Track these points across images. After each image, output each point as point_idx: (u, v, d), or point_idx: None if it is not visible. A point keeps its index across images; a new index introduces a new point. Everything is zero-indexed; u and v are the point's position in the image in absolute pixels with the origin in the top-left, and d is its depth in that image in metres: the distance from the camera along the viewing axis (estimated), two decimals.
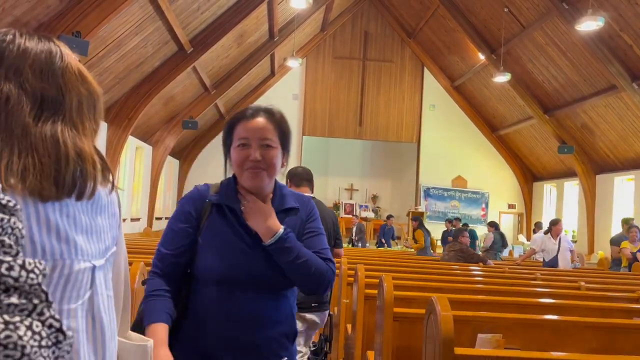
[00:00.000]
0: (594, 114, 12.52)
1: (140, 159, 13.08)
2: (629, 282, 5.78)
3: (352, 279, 4.11)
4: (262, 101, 17.09)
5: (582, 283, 4.89)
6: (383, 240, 12.81)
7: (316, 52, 17.42)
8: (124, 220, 11.96)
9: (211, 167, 16.83)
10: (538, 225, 11.39)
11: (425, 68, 17.55)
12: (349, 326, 4.13)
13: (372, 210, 18.37)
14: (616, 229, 13.07)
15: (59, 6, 6.95)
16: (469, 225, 14.37)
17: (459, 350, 1.88)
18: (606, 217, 13.36)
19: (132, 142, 12.02)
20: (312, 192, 3.65)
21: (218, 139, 16.87)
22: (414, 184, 17.76)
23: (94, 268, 0.87)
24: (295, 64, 13.90)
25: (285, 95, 17.24)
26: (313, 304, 3.20)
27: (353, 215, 15.62)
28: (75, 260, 0.83)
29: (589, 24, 8.97)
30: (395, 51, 17.56)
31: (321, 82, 17.46)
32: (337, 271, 4.43)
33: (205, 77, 12.36)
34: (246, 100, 16.90)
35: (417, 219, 11.42)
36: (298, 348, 3.10)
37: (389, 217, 13.20)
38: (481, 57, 14.58)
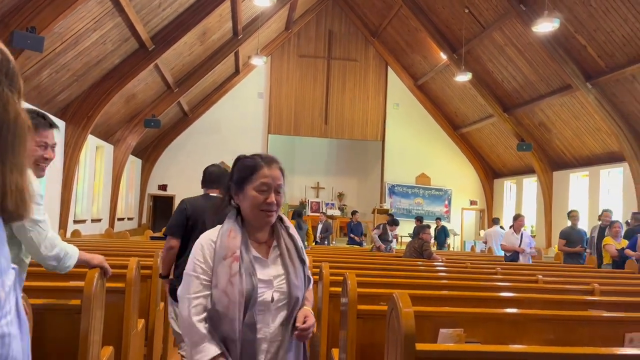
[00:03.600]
0: (550, 112, 12.94)
1: (100, 158, 12.75)
2: (584, 274, 6.01)
3: (317, 277, 4.12)
4: (227, 99, 16.95)
5: (540, 277, 5.04)
6: (356, 238, 12.65)
7: (281, 50, 17.37)
8: (84, 221, 11.62)
9: (174, 167, 16.58)
10: (495, 221, 11.72)
11: (389, 67, 17.75)
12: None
13: (339, 208, 18.46)
14: None
15: (12, 0, 6.69)
16: (441, 220, 14.66)
17: (420, 346, 1.91)
18: (562, 212, 13.82)
19: (92, 141, 11.70)
20: (232, 193, 3.61)
21: (181, 138, 16.75)
22: (379, 182, 17.96)
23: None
24: (260, 62, 13.82)
25: (251, 93, 17.14)
26: None
27: (320, 213, 15.66)
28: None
29: (545, 26, 9.25)
30: (360, 50, 17.70)
31: (286, 81, 17.42)
32: None
33: (168, 74, 12.15)
34: (211, 98, 16.72)
35: (420, 218, 11.45)
36: None
37: (354, 212, 13.19)
38: (443, 56, 14.85)
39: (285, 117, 17.39)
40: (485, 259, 8.54)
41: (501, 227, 11.49)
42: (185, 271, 1.66)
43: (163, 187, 16.74)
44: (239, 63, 15.60)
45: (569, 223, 8.46)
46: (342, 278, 3.20)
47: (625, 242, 7.05)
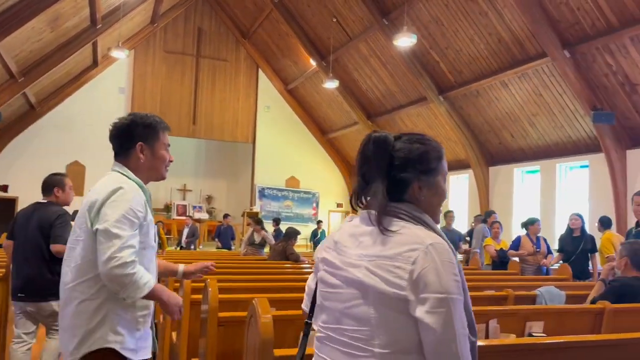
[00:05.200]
0: (408, 121, 13.95)
1: None
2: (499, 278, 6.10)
3: (178, 284, 3.91)
4: (83, 93, 15.57)
5: None
6: (219, 244, 12.16)
7: (146, 44, 16.44)
8: None
9: (17, 166, 14.76)
10: None
11: (260, 69, 17.74)
12: (174, 334, 3.92)
13: (207, 211, 17.97)
14: None
15: None
16: (322, 223, 14.96)
17: (278, 352, 1.88)
18: None
19: None
20: (59, 199, 3.80)
21: (28, 134, 15.00)
22: (249, 184, 17.83)
23: None
24: (121, 55, 12.91)
25: (110, 87, 15.93)
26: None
27: (186, 216, 15.09)
28: None
29: (404, 40, 9.94)
30: (230, 50, 17.44)
31: (151, 77, 16.52)
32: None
33: (11, 62, 10.79)
34: (64, 90, 15.22)
35: (277, 219, 11.38)
36: None
37: (226, 216, 12.80)
38: (312, 62, 15.24)
39: None
40: None
41: None
42: (454, 296, 1.13)
43: (3, 188, 14.81)
44: (98, 55, 14.43)
45: (444, 224, 8.24)
46: (203, 284, 3.06)
47: (505, 243, 7.05)
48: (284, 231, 7.77)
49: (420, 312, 1.09)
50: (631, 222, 4.42)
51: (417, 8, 10.86)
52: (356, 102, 15.15)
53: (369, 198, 1.28)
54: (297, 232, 7.13)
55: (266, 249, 8.94)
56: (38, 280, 3.60)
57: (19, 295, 3.67)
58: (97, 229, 1.78)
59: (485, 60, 10.56)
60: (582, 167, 10.22)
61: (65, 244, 3.73)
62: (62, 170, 15.08)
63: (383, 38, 12.21)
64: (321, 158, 18.40)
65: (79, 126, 15.47)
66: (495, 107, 11.08)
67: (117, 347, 1.81)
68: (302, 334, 1.35)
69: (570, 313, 3.21)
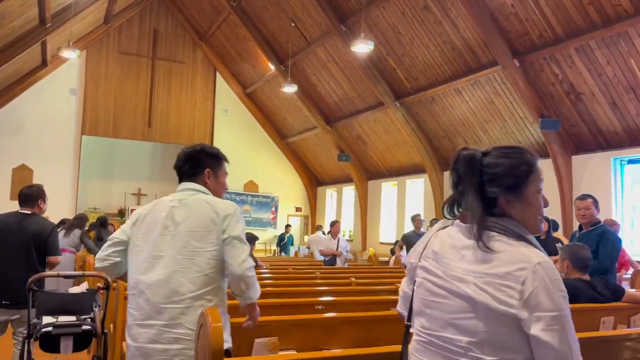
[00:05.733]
0: (366, 127, 14.11)
1: None
2: (392, 275, 6.60)
3: (115, 285, 3.81)
4: (32, 93, 14.97)
5: (353, 279, 5.40)
6: None
7: (99, 44, 15.97)
8: None
9: None
10: (318, 228, 12.33)
11: (217, 72, 17.55)
12: (125, 344, 3.81)
13: None
14: (384, 229, 14.94)
15: None
16: (291, 227, 14.85)
17: None
18: (375, 218, 15.17)
19: None
20: (41, 210, 4.03)
21: None
22: None
23: None
24: (72, 55, 12.48)
25: (61, 89, 15.38)
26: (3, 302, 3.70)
27: None
28: None
29: (361, 47, 10.05)
30: (187, 52, 17.17)
31: (105, 78, 16.05)
32: (113, 284, 4.06)
33: None
34: (11, 90, 14.59)
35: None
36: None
37: None
38: (271, 67, 15.20)
39: (103, 118, 15.99)
40: (307, 263, 8.89)
41: (323, 233, 12.12)
42: (565, 313, 1.22)
43: None
44: (47, 54, 13.91)
45: (412, 228, 8.46)
46: None
47: None
48: None
49: (535, 330, 1.18)
50: (577, 225, 4.62)
51: (375, 15, 11.02)
52: (315, 107, 15.21)
53: (461, 210, 1.35)
54: (255, 238, 7.12)
55: None
56: (24, 288, 3.59)
57: (3, 302, 3.70)
58: (230, 236, 2.09)
59: (440, 68, 10.82)
60: None
61: (59, 255, 4.04)
62: (8, 174, 14.45)
63: (341, 44, 12.31)
64: (280, 162, 18.35)
65: (27, 128, 14.85)
66: (449, 113, 11.36)
67: (229, 347, 2.10)
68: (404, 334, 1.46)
69: None
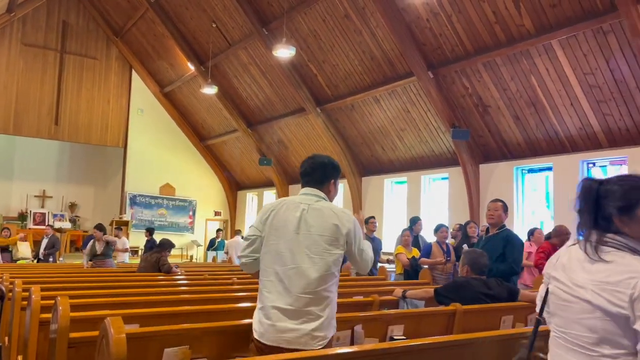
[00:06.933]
0: (288, 131, 14.13)
1: None
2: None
3: (26, 303, 3.52)
4: None
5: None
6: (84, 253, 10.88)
7: (0, 34, 14.74)
8: None
9: None
10: (237, 232, 12.19)
11: (133, 70, 16.81)
12: (21, 357, 3.52)
13: (70, 220, 16.52)
14: None
15: None
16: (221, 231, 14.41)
17: None
18: None
19: None
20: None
21: None
22: (119, 191, 16.73)
23: None
24: None
25: None
26: None
27: (46, 225, 13.72)
28: None
29: (283, 52, 10.07)
30: (100, 48, 16.30)
31: (6, 71, 14.84)
32: (8, 294, 3.73)
33: None
34: None
35: (151, 229, 10.70)
36: None
37: (100, 227, 11.35)
38: (191, 67, 14.81)
39: (3, 113, 14.76)
40: (226, 269, 8.71)
41: (242, 238, 11.98)
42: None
43: None
44: None
45: (365, 231, 8.35)
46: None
47: (415, 251, 6.92)
48: (157, 241, 7.36)
49: (638, 326, 1.43)
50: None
51: (297, 21, 11.08)
52: (236, 109, 15.00)
53: (585, 230, 1.62)
54: (172, 245, 6.86)
55: (135, 260, 8.39)
56: None
57: None
58: (358, 249, 2.55)
59: (359, 76, 11.09)
60: (443, 179, 11.14)
61: None
62: None
63: (263, 47, 12.26)
64: (199, 165, 17.89)
65: None
66: (368, 121, 11.66)
67: None
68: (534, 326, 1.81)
69: (427, 315, 3.45)
